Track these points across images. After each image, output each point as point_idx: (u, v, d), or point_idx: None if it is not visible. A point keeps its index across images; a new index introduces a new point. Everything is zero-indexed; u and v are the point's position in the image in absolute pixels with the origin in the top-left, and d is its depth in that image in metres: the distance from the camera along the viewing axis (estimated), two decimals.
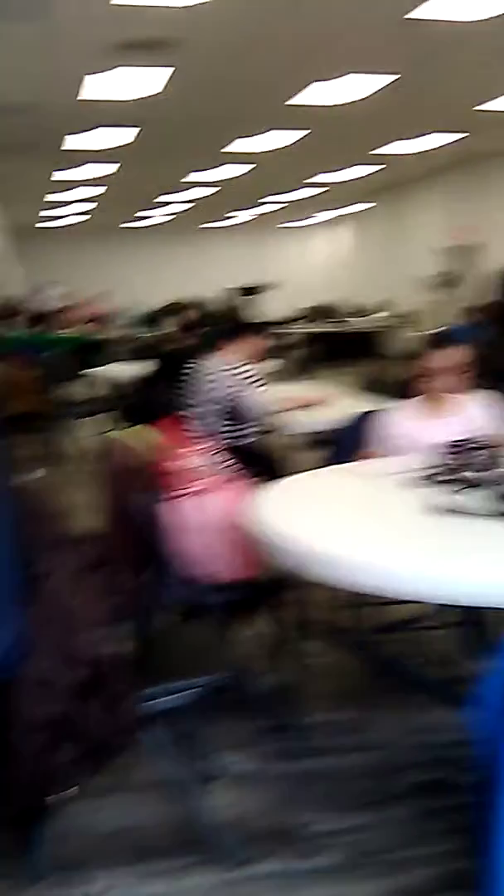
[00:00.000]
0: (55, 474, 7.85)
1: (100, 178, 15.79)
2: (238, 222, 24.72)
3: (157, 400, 5.50)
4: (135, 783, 2.85)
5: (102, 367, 9.21)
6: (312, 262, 26.61)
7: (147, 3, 6.60)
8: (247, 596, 3.39)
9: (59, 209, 20.82)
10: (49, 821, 2.35)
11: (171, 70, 8.68)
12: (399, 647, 3.81)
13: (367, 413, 3.87)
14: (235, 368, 4.90)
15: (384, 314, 19.42)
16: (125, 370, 8.83)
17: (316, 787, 2.84)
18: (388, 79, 9.34)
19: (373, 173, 16.55)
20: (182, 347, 6.85)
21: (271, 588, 3.37)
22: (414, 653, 3.78)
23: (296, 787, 2.85)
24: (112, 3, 6.53)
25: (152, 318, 7.47)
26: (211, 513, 3.24)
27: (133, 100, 9.79)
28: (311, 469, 3.79)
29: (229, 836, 2.49)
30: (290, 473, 4.49)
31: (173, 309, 7.30)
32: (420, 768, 2.91)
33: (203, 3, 6.68)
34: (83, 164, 14.47)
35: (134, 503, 2.97)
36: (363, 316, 20.11)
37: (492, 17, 7.27)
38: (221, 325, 6.93)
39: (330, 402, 5.08)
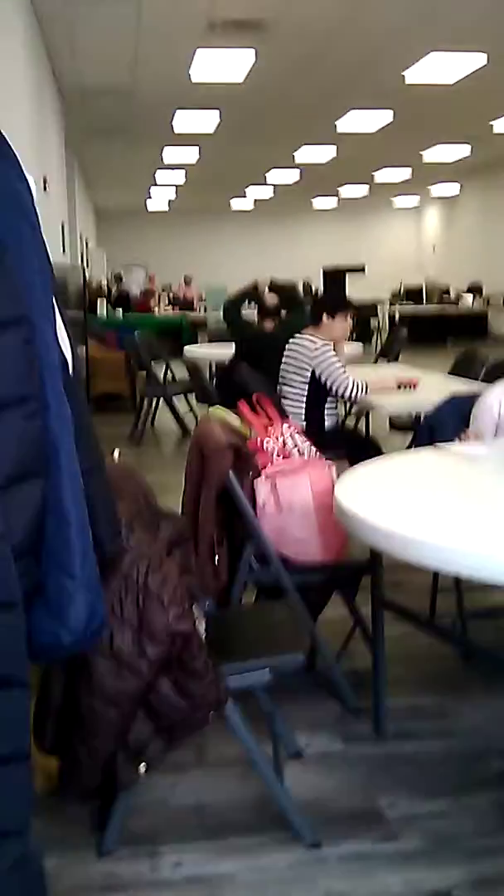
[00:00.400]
0: (137, 453, 7.92)
1: (185, 163, 15.84)
2: (324, 207, 24.55)
3: (241, 381, 5.49)
4: (211, 760, 2.86)
5: (186, 349, 9.26)
6: (400, 245, 26.27)
7: None
8: (332, 577, 3.37)
9: (144, 193, 20.96)
10: (123, 794, 2.36)
11: (255, 52, 8.63)
12: (490, 634, 3.74)
13: (461, 395, 3.78)
14: (320, 349, 4.86)
15: (474, 297, 19.07)
16: (208, 352, 8.86)
17: (396, 771, 2.81)
18: (481, 58, 9.13)
19: (465, 157, 16.25)
20: (266, 330, 6.83)
21: (357, 570, 3.34)
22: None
23: (376, 770, 2.82)
24: None
25: (235, 301, 7.42)
26: (298, 493, 3.22)
27: (220, 83, 9.78)
28: (402, 451, 3.73)
29: (306, 817, 2.48)
30: (381, 454, 4.45)
31: (256, 292, 7.24)
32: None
33: None
34: (168, 148, 14.52)
35: (219, 482, 2.97)
36: (453, 299, 19.80)
37: None
38: (306, 306, 6.89)
39: (422, 384, 5.01)
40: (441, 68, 9.46)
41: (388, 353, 8.65)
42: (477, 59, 9.15)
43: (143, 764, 2.11)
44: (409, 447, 5.40)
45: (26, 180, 1.20)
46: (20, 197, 1.18)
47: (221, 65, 9.10)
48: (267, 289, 7.06)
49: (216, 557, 3.10)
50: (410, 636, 3.51)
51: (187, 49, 8.56)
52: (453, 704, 3.21)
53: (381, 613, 3.05)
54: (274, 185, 19.72)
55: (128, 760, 2.09)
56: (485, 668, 3.47)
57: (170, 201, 22.64)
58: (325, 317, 5.01)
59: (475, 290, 19.32)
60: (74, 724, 2.03)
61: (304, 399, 4.93)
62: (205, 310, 17.91)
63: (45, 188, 7.74)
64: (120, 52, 8.72)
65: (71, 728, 2.04)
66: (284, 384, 5.04)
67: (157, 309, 17.39)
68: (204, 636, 2.21)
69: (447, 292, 20.63)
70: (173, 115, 11.86)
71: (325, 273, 22.05)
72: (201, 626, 2.26)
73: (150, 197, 21.91)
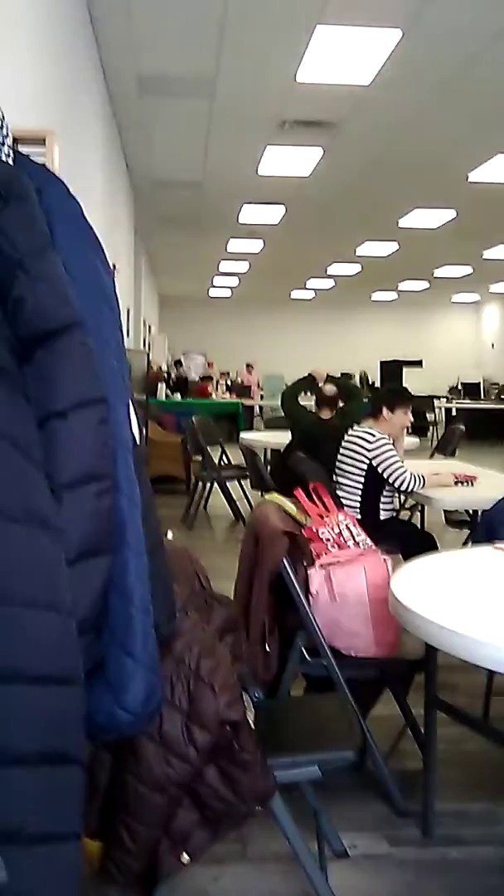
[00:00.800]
0: (189, 536, 7.93)
1: (249, 253, 16.21)
2: (383, 299, 24.83)
3: (297, 469, 5.51)
4: (255, 855, 2.79)
5: (242, 435, 9.33)
6: (458, 340, 26.41)
7: (324, 81, 6.79)
8: (383, 673, 3.31)
9: (207, 281, 21.41)
10: (164, 883, 2.31)
11: (322, 149, 8.88)
12: None
13: None
14: (378, 441, 4.87)
15: None
16: (264, 438, 8.92)
17: (443, 876, 2.71)
18: None
19: None
20: (323, 419, 6.87)
21: (410, 667, 3.28)
22: None
23: (423, 874, 2.73)
24: (296, 80, 6.75)
25: (293, 389, 7.50)
26: (352, 585, 3.19)
27: (287, 176, 10.05)
28: (457, 547, 3.69)
29: None
30: (437, 549, 4.41)
31: (314, 382, 7.31)
32: None
33: (366, 86, 6.83)
34: (233, 240, 14.89)
35: (272, 568, 2.96)
36: None
37: None
38: (365, 398, 6.93)
39: (479, 480, 4.98)
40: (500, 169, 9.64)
41: (445, 448, 8.63)
42: None
43: (185, 854, 2.07)
44: (465, 544, 5.35)
45: (111, 273, 1.25)
46: (102, 283, 1.23)
47: (289, 160, 9.37)
48: (325, 379, 7.12)
49: (267, 646, 3.07)
50: (462, 738, 3.42)
51: (257, 146, 8.84)
52: (502, 811, 3.10)
53: (433, 713, 2.98)
54: (335, 277, 20.03)
55: (171, 848, 2.05)
56: None
57: (232, 289, 23.08)
58: (385, 410, 5.03)
59: None
60: (119, 807, 2.00)
61: (361, 490, 4.93)
62: (262, 397, 18.09)
63: (114, 275, 7.96)
64: (191, 147, 9.03)
65: (115, 812, 2.01)
66: (340, 474, 5.04)
67: (214, 394, 17.61)
68: (254, 726, 2.17)
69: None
70: (240, 209, 12.18)
71: (382, 365, 22.20)
72: (251, 717, 2.23)
73: (212, 285, 22.37)
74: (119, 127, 8.35)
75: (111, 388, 1.19)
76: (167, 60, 6.58)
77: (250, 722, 2.17)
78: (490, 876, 2.73)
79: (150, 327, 18.33)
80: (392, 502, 5.16)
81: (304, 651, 3.14)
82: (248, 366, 20.54)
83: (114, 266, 7.89)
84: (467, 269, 18.60)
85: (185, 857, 2.09)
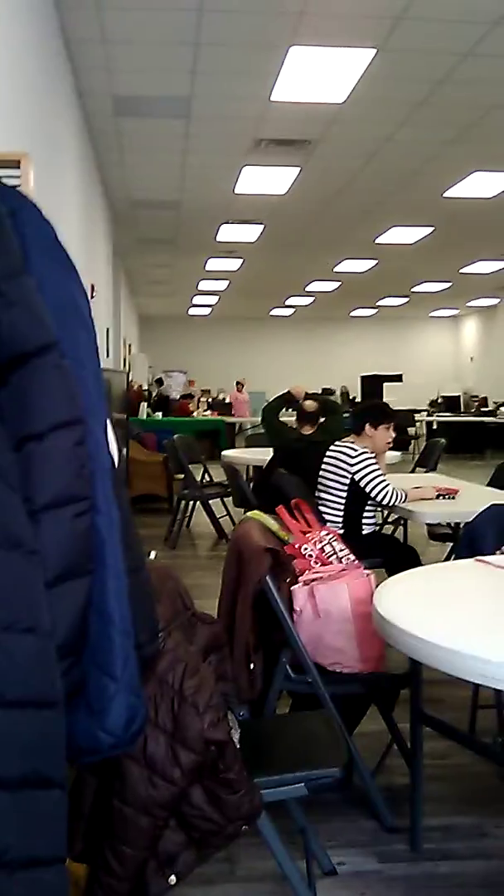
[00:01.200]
0: (172, 555, 7.92)
1: (227, 271, 16.26)
2: (363, 315, 24.95)
3: (279, 486, 5.51)
4: (242, 874, 2.77)
5: (224, 453, 9.34)
6: (438, 354, 26.55)
7: (299, 100, 6.85)
8: (369, 689, 3.31)
9: (187, 300, 21.45)
10: None
11: (299, 168, 8.94)
12: None
13: (501, 506, 3.75)
14: (361, 456, 4.88)
15: None
16: (247, 456, 8.93)
17: (433, 892, 2.71)
18: None
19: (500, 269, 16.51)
20: (304, 435, 6.88)
21: (395, 682, 3.28)
22: None
23: (412, 890, 2.72)
24: (271, 100, 6.79)
25: (273, 406, 7.53)
26: (336, 601, 3.18)
27: (263, 194, 10.10)
28: (440, 561, 3.70)
29: None
30: (420, 563, 4.41)
31: (293, 398, 7.34)
32: None
33: (340, 104, 6.89)
34: (212, 259, 14.94)
35: (255, 586, 2.95)
36: (490, 409, 19.88)
37: None
38: (346, 412, 6.95)
39: (461, 494, 4.99)
40: (481, 185, 9.72)
41: (427, 462, 8.66)
42: None
43: (173, 875, 2.05)
44: (448, 557, 5.36)
45: (86, 295, 1.26)
46: (77, 304, 1.23)
47: (266, 179, 9.43)
48: (303, 396, 7.15)
49: (251, 664, 3.06)
50: (449, 752, 3.42)
51: (234, 165, 8.88)
52: (492, 824, 3.10)
53: (419, 728, 2.98)
54: (314, 294, 20.11)
55: (158, 870, 2.03)
56: None
57: (211, 307, 23.14)
58: (367, 426, 5.04)
59: None
60: (105, 830, 1.99)
61: (343, 505, 4.93)
62: (244, 414, 18.12)
63: (92, 295, 7.97)
64: (168, 167, 9.06)
65: (101, 834, 2.00)
66: (323, 490, 5.05)
67: (196, 412, 17.63)
68: (239, 745, 2.17)
69: (485, 403, 20.71)
70: (218, 229, 12.22)
71: (363, 380, 22.27)
72: (236, 736, 2.22)
73: (192, 304, 22.42)
74: (96, 148, 8.38)
75: (88, 409, 1.19)
76: (142, 81, 6.62)
77: (235, 741, 2.16)
78: (479, 890, 2.72)
79: (129, 346, 18.34)
80: (375, 517, 5.16)
81: (288, 668, 3.14)
82: (239, 384, 20.55)
83: (92, 287, 7.90)
84: (445, 285, 18.72)
85: (173, 879, 2.07)
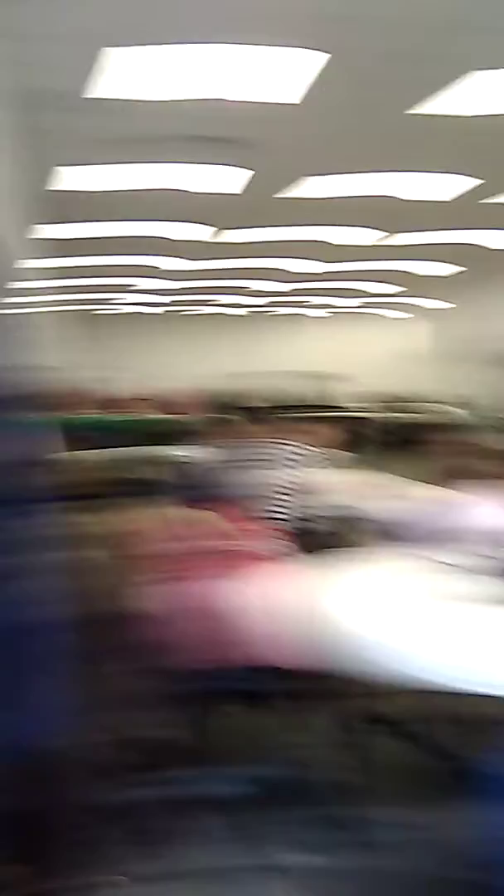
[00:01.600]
0: (104, 554, 7.84)
1: (170, 270, 16.23)
2: (307, 312, 25.08)
3: (218, 483, 5.49)
4: (186, 871, 2.77)
5: (167, 450, 9.24)
6: (388, 355, 26.66)
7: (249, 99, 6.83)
8: (310, 684, 3.31)
9: (127, 297, 21.33)
10: None
11: (245, 171, 8.95)
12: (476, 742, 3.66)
13: (440, 502, 3.80)
14: (297, 453, 4.90)
15: (455, 405, 19.34)
16: (188, 453, 8.83)
17: (382, 886, 2.73)
18: (472, 182, 9.51)
19: (454, 272, 16.72)
20: (244, 431, 6.86)
21: (335, 677, 3.29)
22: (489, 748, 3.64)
23: (361, 885, 2.74)
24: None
25: (216, 404, 7.52)
26: (273, 597, 3.19)
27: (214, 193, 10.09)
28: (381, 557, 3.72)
29: None
30: (357, 560, 4.42)
31: (235, 395, 7.34)
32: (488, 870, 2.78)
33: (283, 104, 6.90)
34: (154, 255, 14.90)
35: (191, 585, 2.95)
36: (434, 406, 20.06)
37: None
38: (285, 410, 6.97)
39: (401, 491, 5.02)
40: (431, 185, 9.82)
41: (366, 459, 8.65)
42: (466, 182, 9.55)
43: (118, 874, 2.06)
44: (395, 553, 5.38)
45: None
46: None
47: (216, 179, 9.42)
48: (252, 392, 7.14)
49: (196, 661, 3.05)
50: (397, 747, 3.45)
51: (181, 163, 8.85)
52: (433, 816, 3.12)
53: (367, 723, 3.00)
54: (266, 294, 20.13)
55: (98, 868, 2.03)
56: (462, 777, 3.41)
57: (164, 306, 23.03)
58: (302, 421, 5.05)
59: (460, 398, 19.55)
60: (38, 831, 1.97)
61: (282, 501, 4.92)
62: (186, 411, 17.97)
63: None
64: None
65: (35, 836, 1.98)
66: (263, 485, 5.02)
67: (139, 411, 17.40)
68: (178, 743, 2.17)
69: (432, 400, 20.83)
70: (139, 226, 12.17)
71: (312, 380, 22.29)
72: (176, 733, 2.22)
73: (143, 303, 22.28)
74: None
75: None
76: None
77: (174, 739, 2.16)
78: (430, 883, 2.75)
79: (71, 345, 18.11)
80: (311, 513, 5.15)
81: (233, 666, 3.13)
82: (164, 381, 20.33)
83: None
84: (397, 287, 18.87)
85: (119, 878, 2.07)
